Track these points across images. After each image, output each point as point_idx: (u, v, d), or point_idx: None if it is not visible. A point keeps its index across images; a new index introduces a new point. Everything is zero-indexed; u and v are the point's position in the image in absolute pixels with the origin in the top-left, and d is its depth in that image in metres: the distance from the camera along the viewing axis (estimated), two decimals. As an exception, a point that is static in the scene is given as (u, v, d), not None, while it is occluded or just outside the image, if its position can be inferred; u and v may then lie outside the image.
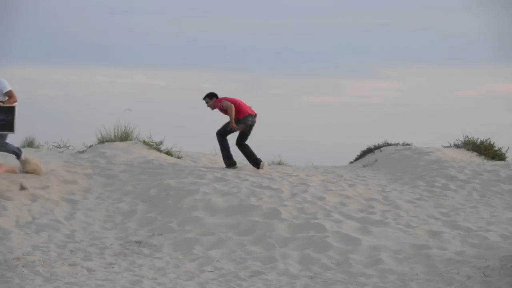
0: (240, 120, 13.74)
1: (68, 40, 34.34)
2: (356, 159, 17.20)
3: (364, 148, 17.36)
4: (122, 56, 35.04)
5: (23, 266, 8.90)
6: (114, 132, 15.90)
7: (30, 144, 17.01)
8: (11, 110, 12.01)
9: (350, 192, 12.47)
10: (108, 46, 35.06)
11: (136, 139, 15.92)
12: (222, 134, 13.91)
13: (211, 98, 13.92)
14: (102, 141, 15.83)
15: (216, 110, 13.98)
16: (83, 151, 15.52)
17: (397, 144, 17.17)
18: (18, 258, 9.24)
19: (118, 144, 15.42)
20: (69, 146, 16.71)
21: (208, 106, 13.95)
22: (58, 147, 16.64)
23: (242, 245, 9.93)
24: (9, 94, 12.16)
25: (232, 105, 13.66)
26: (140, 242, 10.16)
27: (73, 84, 35.01)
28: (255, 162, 13.93)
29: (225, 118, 13.93)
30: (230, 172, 13.39)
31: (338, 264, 9.21)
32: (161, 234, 10.48)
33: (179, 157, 15.74)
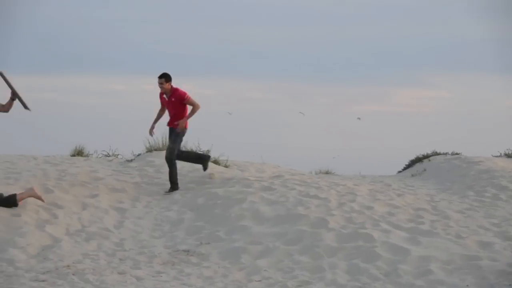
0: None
1: (117, 50, 34.71)
2: (404, 169, 17.08)
3: (413, 157, 17.24)
4: (170, 65, 35.26)
5: (73, 274, 8.99)
6: (162, 141, 16.03)
7: (79, 152, 17.23)
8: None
9: (398, 202, 12.36)
10: (155, 55, 35.35)
11: (184, 148, 16.01)
12: (172, 154, 12.84)
13: (167, 81, 12.83)
14: (150, 149, 15.97)
15: (160, 96, 12.93)
16: (131, 160, 15.67)
17: (446, 154, 17.02)
18: (68, 266, 9.34)
19: (166, 152, 15.51)
20: (117, 154, 16.91)
21: (162, 88, 12.82)
22: (107, 156, 16.84)
23: (290, 254, 9.91)
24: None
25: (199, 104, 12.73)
26: (188, 251, 10.20)
27: (121, 93, 35.37)
28: (204, 158, 13.30)
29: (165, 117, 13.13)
30: (278, 181, 13.37)
31: (387, 274, 9.13)
32: (209, 243, 10.50)
33: (226, 166, 15.79)
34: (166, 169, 14.34)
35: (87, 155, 17.17)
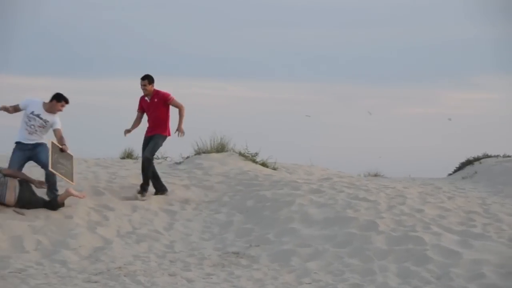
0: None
1: (164, 52, 34.97)
2: (455, 171, 16.90)
3: (463, 160, 17.05)
4: (218, 69, 35.44)
5: (124, 276, 9.07)
6: (210, 144, 16.11)
7: (129, 155, 17.39)
8: (71, 158, 11.47)
9: (449, 205, 12.23)
10: (203, 58, 35.52)
11: (232, 150, 16.08)
12: (152, 155, 12.31)
13: (151, 82, 12.29)
14: (198, 152, 16.05)
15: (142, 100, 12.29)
16: (180, 162, 15.76)
17: (497, 156, 16.79)
18: (120, 267, 9.42)
19: (214, 155, 15.60)
20: (166, 157, 17.04)
21: (145, 90, 12.26)
22: (156, 158, 16.95)
23: (340, 257, 9.86)
24: (60, 136, 11.35)
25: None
26: (237, 253, 10.22)
27: (169, 96, 35.58)
28: (162, 189, 12.56)
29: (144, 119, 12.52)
30: (326, 183, 13.33)
31: (439, 277, 9.03)
32: (259, 245, 10.51)
33: (274, 169, 15.81)
34: (215, 171, 14.40)
35: (136, 158, 17.32)
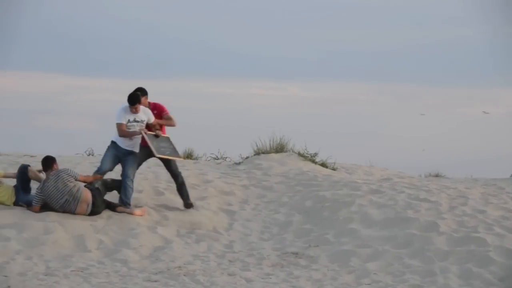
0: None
1: (224, 53, 35.16)
2: (518, 171, 16.56)
3: (527, 159, 16.71)
4: (277, 69, 35.45)
5: (184, 275, 9.15)
6: (270, 144, 16.10)
7: (189, 156, 17.49)
8: (169, 139, 11.66)
9: (512, 205, 12.00)
10: (261, 59, 35.61)
11: (291, 150, 16.05)
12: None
13: (144, 95, 11.53)
14: (258, 152, 16.06)
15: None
16: (239, 163, 15.80)
17: (562, 155, 16.41)
18: (179, 267, 9.50)
19: (274, 155, 15.60)
20: (226, 157, 17.09)
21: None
22: (215, 159, 17.04)
23: (400, 258, 9.78)
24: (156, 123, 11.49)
25: None
26: (297, 253, 10.20)
27: (229, 97, 35.79)
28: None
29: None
30: (386, 184, 13.22)
31: (502, 279, 8.88)
32: (318, 246, 10.48)
33: (334, 169, 15.73)
34: (274, 171, 14.41)
35: (196, 158, 17.43)
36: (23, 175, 11.13)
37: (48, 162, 10.92)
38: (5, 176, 11.45)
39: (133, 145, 11.41)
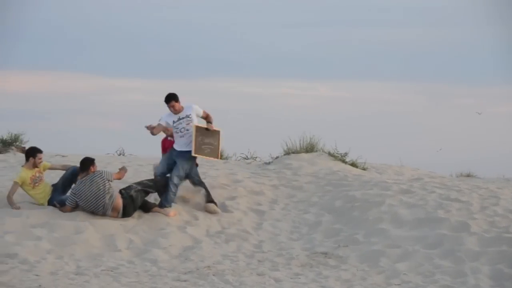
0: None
1: (254, 53, 35.17)
2: (551, 171, 16.38)
3: (560, 159, 16.52)
4: (306, 69, 35.41)
5: (213, 275, 9.17)
6: (300, 144, 16.08)
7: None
8: (217, 134, 11.70)
9: (545, 206, 11.86)
10: (291, 59, 35.57)
11: (321, 150, 16.01)
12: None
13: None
14: (288, 152, 16.04)
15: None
16: (269, 163, 15.80)
17: None
18: (209, 266, 9.52)
19: (304, 155, 15.57)
20: (256, 157, 17.10)
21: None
22: (245, 159, 17.07)
23: (430, 258, 9.71)
24: (206, 114, 11.65)
25: None
26: (326, 253, 10.18)
27: (259, 97, 35.81)
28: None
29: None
30: (417, 184, 13.13)
31: (533, 280, 8.79)
32: (347, 246, 10.44)
33: (364, 169, 15.67)
34: (304, 171, 14.39)
35: (226, 158, 17.46)
36: (73, 177, 11.23)
37: (86, 164, 10.96)
38: (52, 168, 11.57)
39: (184, 145, 11.47)
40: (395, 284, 8.93)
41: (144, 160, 16.60)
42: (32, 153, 11.28)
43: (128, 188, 11.07)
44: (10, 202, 11.09)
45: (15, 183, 11.19)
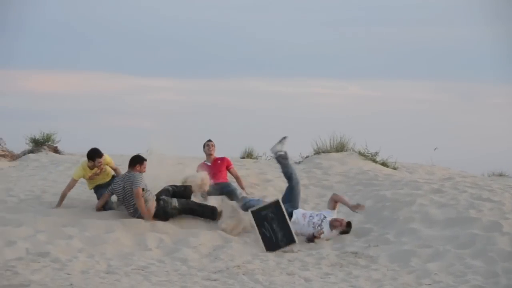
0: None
1: (284, 52, 35.15)
2: None
3: None
4: (336, 68, 35.30)
5: (243, 274, 9.17)
6: (330, 143, 16.05)
7: (249, 155, 17.55)
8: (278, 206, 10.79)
9: None
10: (321, 58, 35.49)
11: (351, 150, 15.98)
12: None
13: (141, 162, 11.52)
14: (318, 152, 16.03)
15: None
16: (299, 162, 15.79)
17: None
18: (238, 266, 9.53)
19: (334, 155, 15.55)
20: (286, 157, 17.06)
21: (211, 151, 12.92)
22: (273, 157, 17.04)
23: (462, 258, 9.63)
24: None
25: None
26: (356, 253, 10.14)
27: (289, 96, 35.77)
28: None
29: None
30: (448, 183, 13.05)
31: None
32: (377, 245, 10.39)
33: (394, 168, 15.60)
34: (334, 171, 14.36)
35: (256, 157, 17.47)
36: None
37: (134, 161, 11.01)
38: (112, 168, 11.74)
39: None
40: (426, 284, 8.87)
41: (172, 159, 16.65)
42: (91, 157, 11.43)
43: (167, 201, 11.01)
44: (62, 198, 11.24)
45: (74, 180, 11.31)
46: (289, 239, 10.49)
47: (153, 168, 11.49)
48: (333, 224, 10.76)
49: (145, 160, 11.02)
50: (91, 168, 11.47)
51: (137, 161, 10.97)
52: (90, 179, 11.58)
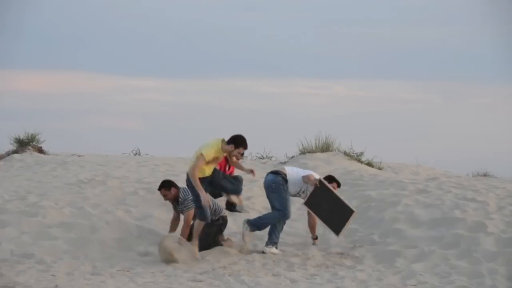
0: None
1: (268, 52, 35.17)
2: None
3: None
4: (322, 68, 35.35)
5: (229, 275, 9.17)
6: (315, 143, 16.07)
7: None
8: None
9: (562, 206, 11.77)
10: (305, 57, 35.53)
11: (337, 150, 16.00)
12: None
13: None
14: (303, 152, 16.04)
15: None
16: (285, 162, 15.79)
17: None
18: (224, 267, 9.52)
19: (319, 155, 15.56)
20: (271, 157, 17.11)
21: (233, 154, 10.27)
22: (261, 158, 17.07)
23: (447, 258, 9.67)
24: None
25: None
26: (342, 254, 10.16)
27: (274, 96, 35.78)
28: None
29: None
30: (433, 183, 13.08)
31: (551, 281, 8.73)
32: (363, 246, 10.41)
33: (380, 168, 15.64)
34: (320, 171, 14.34)
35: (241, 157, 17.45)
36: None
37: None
38: (234, 164, 10.51)
39: None
40: (411, 285, 8.90)
41: (159, 159, 16.63)
42: (240, 143, 9.93)
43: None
44: (198, 183, 9.80)
45: (202, 156, 9.78)
46: (348, 213, 10.15)
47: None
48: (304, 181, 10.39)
49: None
50: (224, 152, 10.01)
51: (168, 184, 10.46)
52: (209, 162, 9.94)
